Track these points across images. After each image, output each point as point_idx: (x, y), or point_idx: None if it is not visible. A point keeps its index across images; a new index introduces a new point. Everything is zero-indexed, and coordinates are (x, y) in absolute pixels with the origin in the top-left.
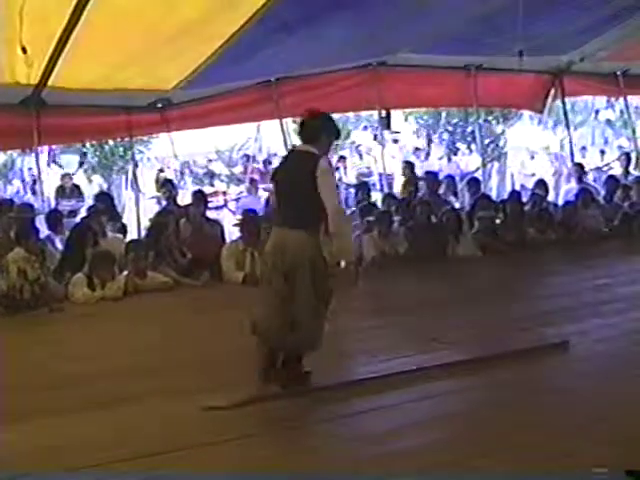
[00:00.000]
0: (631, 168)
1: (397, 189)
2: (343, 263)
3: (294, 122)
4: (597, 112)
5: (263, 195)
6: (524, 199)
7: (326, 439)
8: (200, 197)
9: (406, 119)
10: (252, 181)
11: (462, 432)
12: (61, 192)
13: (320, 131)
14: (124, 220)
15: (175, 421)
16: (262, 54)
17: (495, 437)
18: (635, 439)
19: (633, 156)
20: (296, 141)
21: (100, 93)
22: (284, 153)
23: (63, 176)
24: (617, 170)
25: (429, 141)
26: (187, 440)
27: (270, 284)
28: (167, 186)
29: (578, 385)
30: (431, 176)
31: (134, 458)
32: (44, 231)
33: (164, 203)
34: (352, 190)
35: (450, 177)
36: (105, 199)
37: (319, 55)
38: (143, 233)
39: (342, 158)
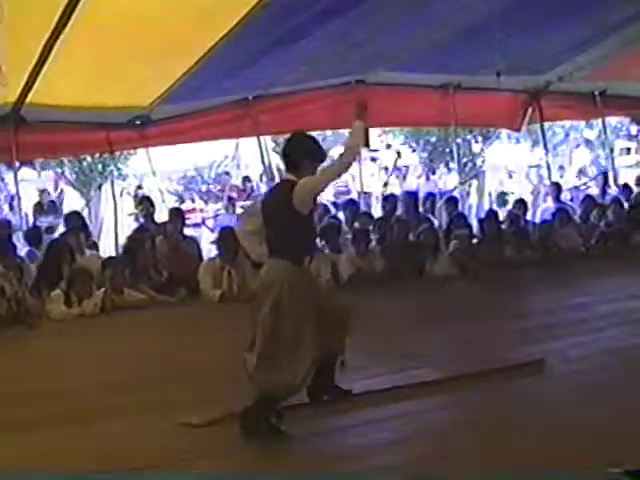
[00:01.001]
0: (608, 187)
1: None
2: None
3: (273, 140)
4: (576, 131)
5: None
6: (502, 218)
7: (303, 456)
8: (177, 214)
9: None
10: (230, 199)
11: (437, 450)
12: (39, 209)
13: (302, 156)
14: (102, 236)
15: (149, 438)
16: (240, 71)
17: (470, 454)
18: (613, 458)
19: (610, 175)
20: (274, 159)
21: (79, 110)
22: (261, 171)
23: (41, 192)
24: (594, 189)
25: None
26: (160, 457)
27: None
28: (145, 203)
29: (555, 403)
30: (409, 195)
31: (110, 473)
32: (21, 248)
33: (142, 220)
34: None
35: (431, 195)
36: (74, 218)
37: (298, 73)
38: (121, 250)
39: None
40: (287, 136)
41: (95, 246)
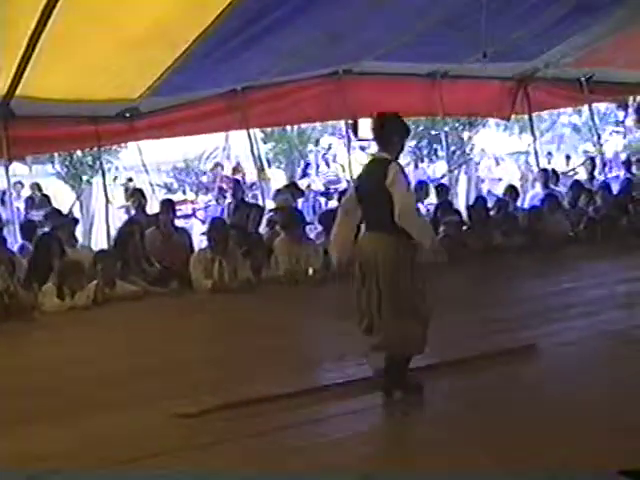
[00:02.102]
0: (596, 173)
1: None
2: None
3: (262, 131)
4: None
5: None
6: (490, 204)
7: (294, 445)
8: (168, 205)
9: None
10: (220, 190)
11: (432, 433)
12: (30, 202)
13: (391, 134)
14: (94, 229)
15: (145, 428)
16: (228, 63)
17: (463, 440)
18: (603, 440)
19: (598, 161)
20: (262, 150)
21: (69, 103)
22: (252, 162)
23: (32, 186)
24: (582, 175)
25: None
26: (157, 447)
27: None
28: (136, 195)
29: (546, 388)
30: None
31: (103, 466)
32: (11, 241)
33: (133, 212)
34: (321, 198)
35: (423, 183)
36: (54, 215)
37: (285, 63)
38: (112, 242)
39: (308, 165)
40: (375, 116)
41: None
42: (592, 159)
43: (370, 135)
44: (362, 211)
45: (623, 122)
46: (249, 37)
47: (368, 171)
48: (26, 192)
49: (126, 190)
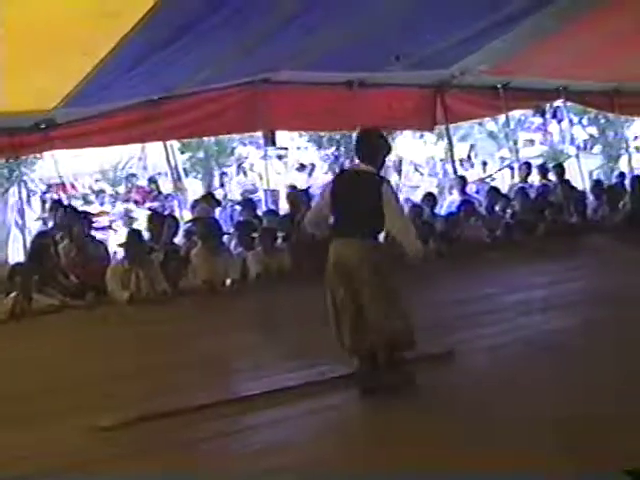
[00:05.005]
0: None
1: (282, 205)
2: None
3: (179, 141)
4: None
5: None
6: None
7: (215, 456)
8: (80, 216)
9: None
10: (136, 203)
11: (348, 446)
12: None
13: (377, 150)
14: (10, 242)
15: (62, 442)
16: (144, 73)
17: (381, 450)
18: (523, 450)
19: (515, 167)
20: (179, 160)
21: None
22: (169, 172)
23: None
24: (499, 181)
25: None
26: (76, 460)
27: (337, 294)
28: (55, 207)
29: (462, 394)
30: (301, 191)
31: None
32: None
33: (51, 224)
34: (237, 207)
35: None
36: None
37: (203, 75)
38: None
39: (224, 175)
40: (361, 131)
41: None
42: (527, 164)
43: (286, 144)
44: (339, 218)
45: (545, 128)
46: (165, 48)
47: (355, 182)
48: None
49: (43, 202)
